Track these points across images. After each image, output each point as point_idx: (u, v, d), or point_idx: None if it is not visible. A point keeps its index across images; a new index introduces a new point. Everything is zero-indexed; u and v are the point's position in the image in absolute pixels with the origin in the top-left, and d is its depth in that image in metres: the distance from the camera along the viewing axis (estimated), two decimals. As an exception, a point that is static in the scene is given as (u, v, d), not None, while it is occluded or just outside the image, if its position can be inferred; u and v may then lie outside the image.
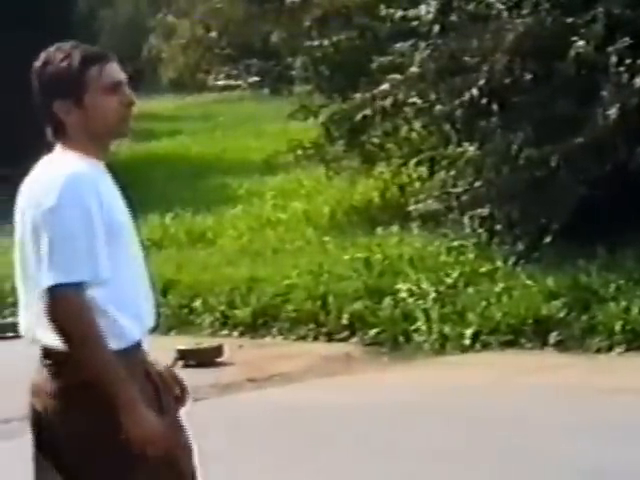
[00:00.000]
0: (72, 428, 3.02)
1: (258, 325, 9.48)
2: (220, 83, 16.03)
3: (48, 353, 3.07)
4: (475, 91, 9.36)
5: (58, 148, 3.13)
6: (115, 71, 3.13)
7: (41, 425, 3.12)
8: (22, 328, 3.18)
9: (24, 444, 3.50)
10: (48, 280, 2.94)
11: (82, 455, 3.03)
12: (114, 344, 2.98)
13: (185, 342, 8.84)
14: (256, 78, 13.77)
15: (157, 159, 20.46)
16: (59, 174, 3.01)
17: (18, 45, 16.22)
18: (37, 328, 3.06)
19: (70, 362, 2.99)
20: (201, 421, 6.77)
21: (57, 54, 3.11)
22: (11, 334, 10.07)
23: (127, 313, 3.05)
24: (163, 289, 10.23)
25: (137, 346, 3.07)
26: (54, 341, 3.00)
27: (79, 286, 2.94)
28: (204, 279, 10.32)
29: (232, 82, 14.85)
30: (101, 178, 3.09)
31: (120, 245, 3.06)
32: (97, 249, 2.98)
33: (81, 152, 3.08)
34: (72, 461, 3.06)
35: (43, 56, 3.13)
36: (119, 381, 2.94)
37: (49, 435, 3.10)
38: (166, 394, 3.15)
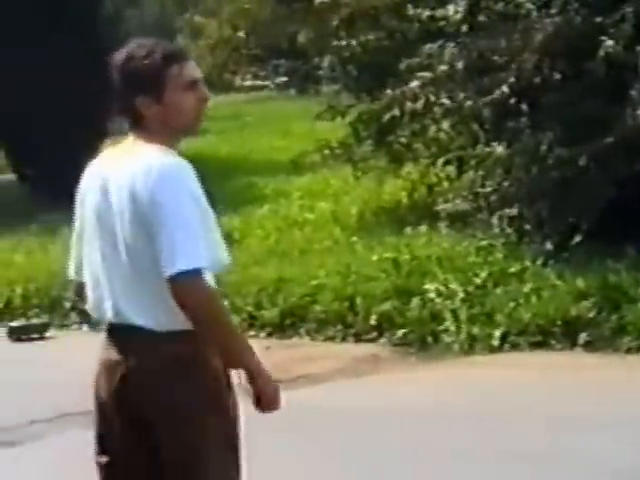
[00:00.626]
0: (165, 397, 3.17)
1: (286, 326, 9.48)
2: (248, 83, 16.06)
3: (137, 333, 3.20)
4: (504, 91, 9.33)
5: (132, 139, 3.29)
6: (193, 69, 3.31)
7: (115, 398, 3.25)
8: (92, 308, 3.33)
9: (54, 444, 3.51)
10: (173, 268, 3.07)
11: (170, 421, 3.19)
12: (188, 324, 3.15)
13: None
14: (284, 78, 13.78)
15: (184, 158, 20.49)
16: (163, 165, 3.17)
17: (45, 46, 16.35)
18: (126, 309, 3.20)
19: (163, 341, 3.17)
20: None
21: (140, 50, 3.28)
22: (36, 335, 10.15)
23: None
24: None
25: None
26: (147, 323, 3.18)
27: (200, 271, 3.10)
28: (231, 279, 10.30)
29: (260, 82, 14.87)
30: (192, 168, 3.27)
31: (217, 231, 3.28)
32: (214, 235, 3.23)
33: (158, 142, 3.24)
34: (159, 426, 3.20)
35: (125, 51, 3.29)
36: (250, 350, 3.21)
37: (129, 405, 3.23)
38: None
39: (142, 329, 3.20)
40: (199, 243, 3.13)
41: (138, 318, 3.19)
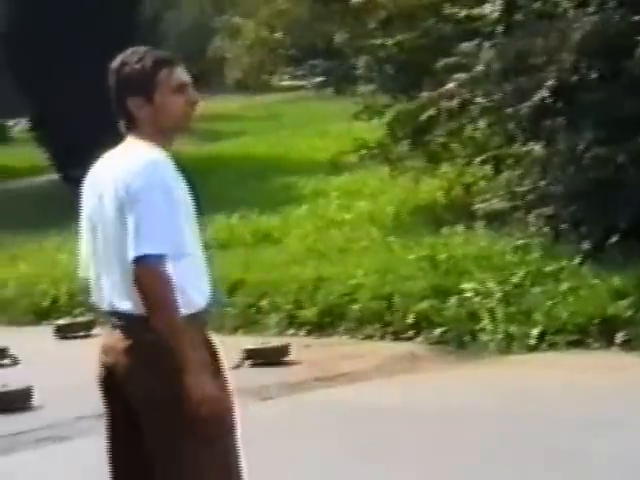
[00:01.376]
0: (138, 379, 3.39)
1: (324, 324, 9.54)
2: (285, 83, 16.13)
3: (121, 317, 3.44)
4: (541, 90, 9.33)
5: (129, 139, 3.51)
6: (182, 73, 3.54)
7: (110, 380, 3.48)
8: (94, 298, 3.56)
9: (101, 440, 3.61)
10: (136, 251, 3.31)
11: (145, 404, 3.39)
12: (182, 311, 3.34)
13: (252, 341, 8.92)
14: (320, 78, 13.84)
15: (222, 159, 20.61)
16: (143, 159, 3.40)
17: (87, 48, 16.50)
18: (113, 296, 3.45)
19: (140, 325, 3.36)
20: (268, 419, 6.90)
21: (132, 56, 3.53)
22: (82, 333, 10.29)
23: (193, 285, 3.42)
24: (230, 289, 10.36)
25: (199, 314, 3.44)
26: (128, 307, 3.40)
27: (162, 258, 3.31)
28: (270, 279, 10.40)
29: (297, 82, 14.94)
30: (171, 164, 3.47)
31: (187, 224, 3.44)
32: (181, 226, 3.38)
33: (150, 142, 3.46)
34: (137, 407, 3.41)
35: (120, 58, 3.55)
36: (186, 346, 3.29)
37: (118, 387, 3.45)
38: (218, 359, 3.49)
39: (126, 315, 3.41)
40: (162, 231, 3.32)
41: (123, 304, 3.41)
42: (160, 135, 3.49)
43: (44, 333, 10.64)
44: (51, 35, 17.50)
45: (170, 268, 3.33)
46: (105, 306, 3.51)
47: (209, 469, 3.41)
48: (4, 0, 20.71)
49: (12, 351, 9.37)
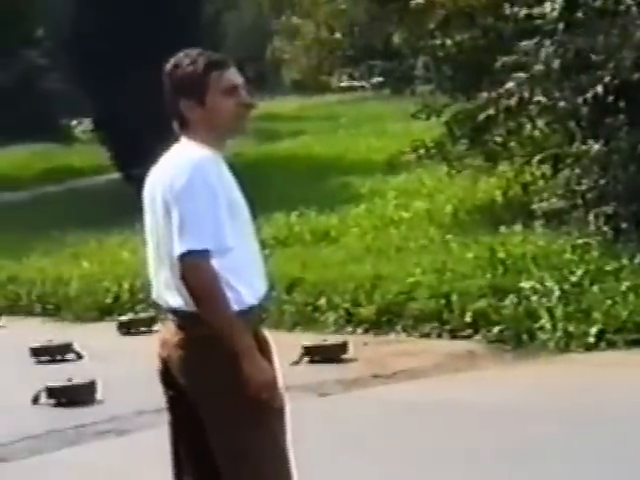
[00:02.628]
0: (191, 372, 3.48)
1: (382, 322, 9.57)
2: (344, 84, 16.21)
3: (174, 312, 3.53)
4: (601, 88, 9.28)
5: (183, 139, 3.58)
6: (233, 76, 3.57)
7: (167, 373, 3.59)
8: (154, 295, 3.64)
9: (162, 434, 3.70)
10: (181, 248, 3.39)
11: (200, 395, 3.48)
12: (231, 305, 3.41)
13: (310, 339, 8.99)
14: (379, 79, 13.89)
15: (281, 159, 20.74)
16: (187, 159, 3.48)
17: (148, 49, 16.68)
18: (166, 293, 3.53)
19: (192, 319, 3.45)
20: (326, 415, 6.97)
21: (185, 59, 3.58)
22: (144, 329, 10.43)
23: (243, 281, 3.48)
24: (288, 287, 10.44)
25: (249, 311, 3.48)
26: (179, 302, 3.48)
27: (206, 253, 3.38)
28: (328, 277, 10.46)
29: (356, 83, 15.01)
30: (220, 164, 3.54)
31: (239, 222, 3.51)
32: (222, 221, 3.43)
33: (202, 143, 3.52)
34: (194, 399, 3.50)
35: (173, 60, 3.60)
36: (239, 333, 3.38)
37: (174, 379, 3.56)
38: (269, 357, 3.56)
39: (178, 311, 3.50)
40: (204, 227, 3.39)
41: (174, 301, 3.50)
42: (212, 137, 3.54)
43: (107, 329, 10.80)
44: (114, 37, 17.72)
45: (216, 263, 3.40)
46: (161, 302, 3.60)
47: (268, 455, 3.51)
48: (69, 5, 21.03)
49: (76, 346, 9.54)
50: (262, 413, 3.46)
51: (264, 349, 3.54)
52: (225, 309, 3.39)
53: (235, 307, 3.42)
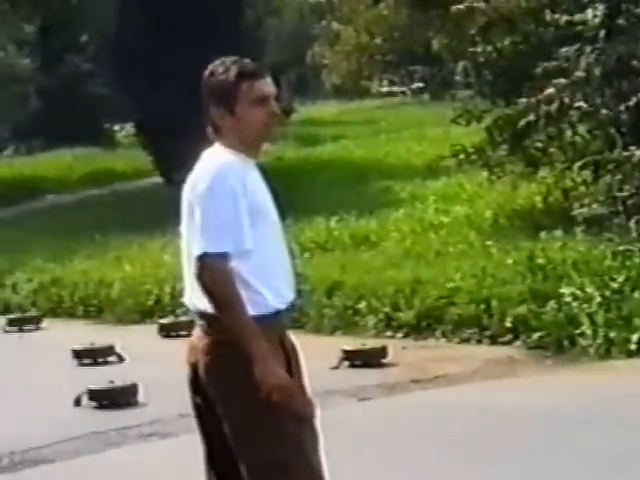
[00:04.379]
0: (214, 377, 3.51)
1: (422, 327, 9.59)
2: (383, 89, 16.27)
3: (202, 316, 3.56)
4: (639, 94, 9.25)
5: (216, 145, 3.62)
6: (265, 86, 3.59)
7: (195, 377, 3.61)
8: (184, 298, 3.72)
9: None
10: (198, 250, 3.44)
11: (222, 400, 3.51)
12: (255, 310, 3.44)
13: (350, 343, 9.01)
14: (419, 84, 13.93)
15: (321, 163, 20.78)
16: (212, 164, 3.54)
17: (191, 55, 16.82)
18: (193, 296, 3.57)
19: (216, 323, 3.47)
20: (365, 420, 7.00)
21: (219, 67, 3.61)
22: (184, 332, 10.50)
23: (268, 285, 3.51)
24: (328, 291, 10.49)
25: (275, 315, 3.51)
26: (206, 305, 3.49)
27: (224, 256, 3.42)
28: (368, 281, 10.49)
29: (395, 88, 15.05)
30: (248, 170, 3.57)
31: (264, 226, 3.53)
32: (241, 224, 3.45)
33: (232, 149, 3.56)
34: (218, 404, 3.53)
35: (209, 68, 3.63)
36: (254, 337, 3.39)
37: (201, 383, 3.58)
38: (294, 364, 3.58)
39: (203, 314, 3.53)
40: (223, 230, 3.43)
41: (200, 303, 3.54)
42: (242, 145, 3.57)
43: (148, 332, 10.88)
44: (157, 43, 17.86)
45: (240, 266, 3.44)
46: (189, 305, 3.65)
47: (293, 466, 3.48)
48: (114, 12, 21.24)
49: (118, 349, 9.61)
50: (287, 423, 3.46)
51: (290, 355, 3.55)
52: (240, 311, 3.41)
53: (260, 311, 3.45)
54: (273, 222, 3.59)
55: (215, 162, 3.53)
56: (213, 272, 3.41)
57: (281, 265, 3.59)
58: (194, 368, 3.60)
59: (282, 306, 3.54)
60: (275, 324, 3.51)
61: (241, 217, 3.45)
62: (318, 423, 3.63)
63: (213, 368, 3.51)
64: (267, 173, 3.71)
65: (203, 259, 3.42)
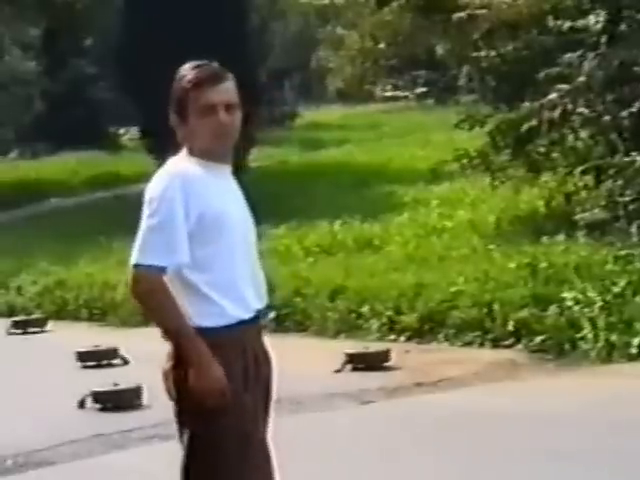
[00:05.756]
0: (169, 384, 3.56)
1: (424, 331, 9.63)
2: (388, 94, 16.34)
3: None
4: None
5: (182, 151, 3.56)
6: (214, 95, 3.45)
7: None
8: None
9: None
10: (131, 260, 3.44)
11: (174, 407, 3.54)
12: (213, 322, 3.41)
13: (353, 346, 9.06)
14: (423, 89, 13.99)
15: (325, 167, 20.83)
16: (161, 174, 3.48)
17: (197, 58, 16.86)
18: None
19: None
20: (368, 423, 7.04)
21: (181, 72, 3.52)
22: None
23: (228, 297, 3.44)
24: (331, 294, 10.54)
25: (237, 325, 3.44)
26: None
27: (156, 268, 3.38)
28: (371, 285, 10.54)
29: (399, 93, 15.12)
30: (207, 179, 3.46)
31: (222, 237, 3.44)
32: (177, 238, 3.38)
33: (196, 157, 3.49)
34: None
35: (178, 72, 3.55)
36: (189, 342, 3.35)
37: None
38: (253, 376, 3.48)
39: None
40: (158, 243, 3.39)
41: None
42: (196, 154, 3.48)
43: (152, 334, 10.85)
44: (161, 46, 17.91)
45: (196, 278, 3.40)
46: None
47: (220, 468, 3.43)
48: (118, 16, 21.32)
49: (122, 351, 9.65)
50: (226, 439, 3.41)
51: (251, 366, 3.48)
52: (173, 318, 3.37)
53: (218, 322, 3.40)
54: (236, 232, 3.50)
55: (164, 171, 3.47)
56: (144, 284, 3.39)
57: (244, 276, 3.51)
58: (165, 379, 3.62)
59: (245, 316, 3.48)
60: (237, 334, 3.45)
61: (177, 231, 3.38)
62: (269, 441, 3.54)
63: (170, 374, 3.53)
64: (242, 181, 3.65)
65: (135, 270, 3.41)
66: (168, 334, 3.40)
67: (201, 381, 3.35)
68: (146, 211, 3.43)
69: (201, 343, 3.35)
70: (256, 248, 3.65)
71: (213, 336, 3.38)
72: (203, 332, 3.38)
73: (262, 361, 3.55)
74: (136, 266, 3.40)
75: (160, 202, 3.40)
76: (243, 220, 3.56)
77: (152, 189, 3.45)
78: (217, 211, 3.43)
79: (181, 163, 3.49)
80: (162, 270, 3.39)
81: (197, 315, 3.41)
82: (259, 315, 3.56)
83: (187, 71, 3.48)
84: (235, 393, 3.39)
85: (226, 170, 3.56)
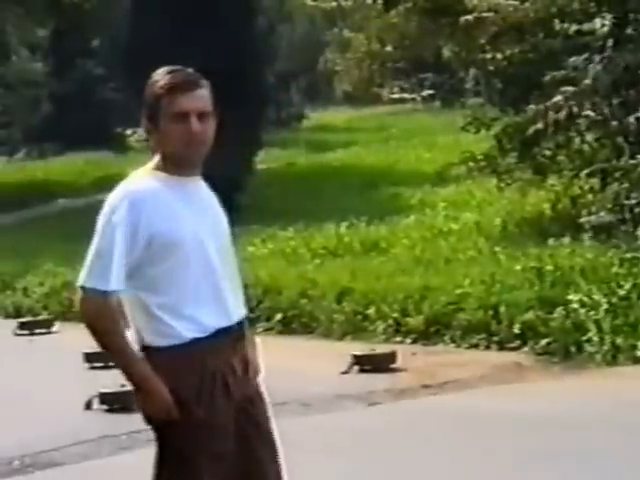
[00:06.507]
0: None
1: (430, 333, 9.65)
2: (395, 96, 16.38)
3: None
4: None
5: (148, 163, 3.47)
6: (186, 101, 3.34)
7: None
8: None
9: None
10: (78, 280, 3.40)
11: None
12: (165, 342, 3.37)
13: (359, 348, 9.08)
14: (429, 91, 14.02)
15: (332, 169, 20.86)
16: (115, 192, 3.40)
17: (203, 63, 16.92)
18: None
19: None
20: (375, 424, 7.06)
21: (154, 77, 3.40)
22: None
23: (180, 317, 3.38)
24: (338, 296, 10.57)
25: (192, 344, 3.38)
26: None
27: (97, 291, 3.33)
28: (378, 287, 10.55)
29: (406, 95, 15.17)
30: (155, 196, 3.37)
31: (171, 257, 3.36)
32: (112, 267, 3.32)
33: (161, 169, 3.40)
34: None
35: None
36: (132, 365, 3.34)
37: None
38: (225, 393, 3.42)
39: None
40: (97, 266, 3.34)
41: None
42: (167, 162, 3.39)
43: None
44: (168, 48, 17.94)
45: (150, 300, 3.36)
46: None
47: None
48: (125, 17, 21.38)
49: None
50: (179, 454, 3.41)
51: (239, 374, 3.45)
52: (117, 341, 3.34)
53: (170, 342, 3.37)
54: (192, 251, 3.38)
55: (122, 188, 3.39)
56: (90, 305, 3.35)
57: (202, 294, 3.40)
58: None
59: (200, 335, 3.39)
60: (193, 352, 3.38)
61: (113, 259, 3.32)
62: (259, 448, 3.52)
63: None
64: (210, 188, 3.55)
65: (81, 291, 3.38)
66: (112, 358, 3.40)
67: (147, 403, 3.36)
68: (96, 230, 3.40)
69: (144, 366, 3.35)
70: (229, 261, 3.50)
71: (167, 356, 3.36)
72: (158, 352, 3.37)
73: (240, 373, 3.47)
74: (82, 287, 3.37)
75: (105, 226, 3.36)
76: (208, 236, 3.42)
77: (106, 206, 3.39)
78: (167, 233, 3.35)
79: (140, 179, 3.41)
80: (105, 294, 3.34)
81: (152, 335, 3.39)
82: (230, 329, 3.44)
83: (160, 76, 3.37)
84: (188, 410, 3.37)
85: (194, 181, 3.45)
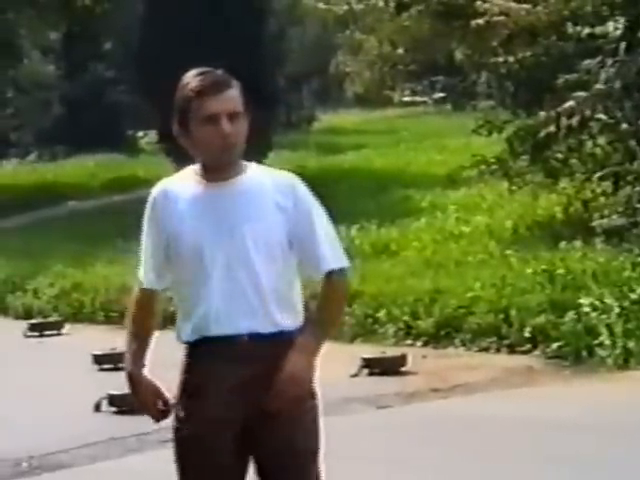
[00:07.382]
0: None
1: (441, 336, 9.64)
2: (406, 99, 16.36)
3: None
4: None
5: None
6: (216, 104, 3.28)
7: None
8: None
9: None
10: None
11: None
12: (183, 337, 3.43)
13: (370, 351, 9.07)
14: (441, 94, 14.00)
15: (343, 172, 20.84)
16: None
17: (213, 65, 16.96)
18: None
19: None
20: (385, 428, 7.04)
21: (184, 80, 3.36)
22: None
23: (181, 315, 3.43)
24: (348, 299, 10.53)
25: (190, 344, 3.40)
26: None
27: (141, 283, 3.51)
28: (388, 290, 10.54)
29: (418, 98, 15.15)
30: (176, 198, 3.39)
31: (179, 261, 3.38)
32: (143, 259, 3.49)
33: (197, 170, 3.42)
34: None
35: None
36: (125, 360, 3.55)
37: None
38: (195, 397, 3.42)
39: None
40: (142, 261, 3.50)
41: None
42: (202, 165, 3.39)
43: (169, 337, 10.89)
44: (179, 51, 17.99)
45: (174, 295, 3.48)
46: None
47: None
48: (137, 21, 21.42)
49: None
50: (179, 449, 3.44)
51: (209, 386, 3.39)
52: (128, 331, 3.53)
53: (179, 339, 3.43)
54: (194, 249, 3.34)
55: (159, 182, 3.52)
56: (132, 295, 3.56)
57: (200, 292, 3.35)
58: None
59: (190, 338, 3.40)
60: (188, 352, 3.42)
61: (146, 253, 3.47)
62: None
63: None
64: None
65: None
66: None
67: (135, 402, 3.55)
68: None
69: (133, 367, 3.49)
70: (253, 270, 3.35)
71: (186, 349, 3.45)
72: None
73: (248, 389, 3.35)
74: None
75: (146, 221, 3.47)
76: (215, 244, 3.33)
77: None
78: (177, 233, 3.36)
79: (176, 177, 3.49)
80: (147, 285, 3.50)
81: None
82: (231, 339, 3.34)
83: (190, 79, 3.33)
84: (184, 407, 3.43)
85: (233, 184, 3.37)
